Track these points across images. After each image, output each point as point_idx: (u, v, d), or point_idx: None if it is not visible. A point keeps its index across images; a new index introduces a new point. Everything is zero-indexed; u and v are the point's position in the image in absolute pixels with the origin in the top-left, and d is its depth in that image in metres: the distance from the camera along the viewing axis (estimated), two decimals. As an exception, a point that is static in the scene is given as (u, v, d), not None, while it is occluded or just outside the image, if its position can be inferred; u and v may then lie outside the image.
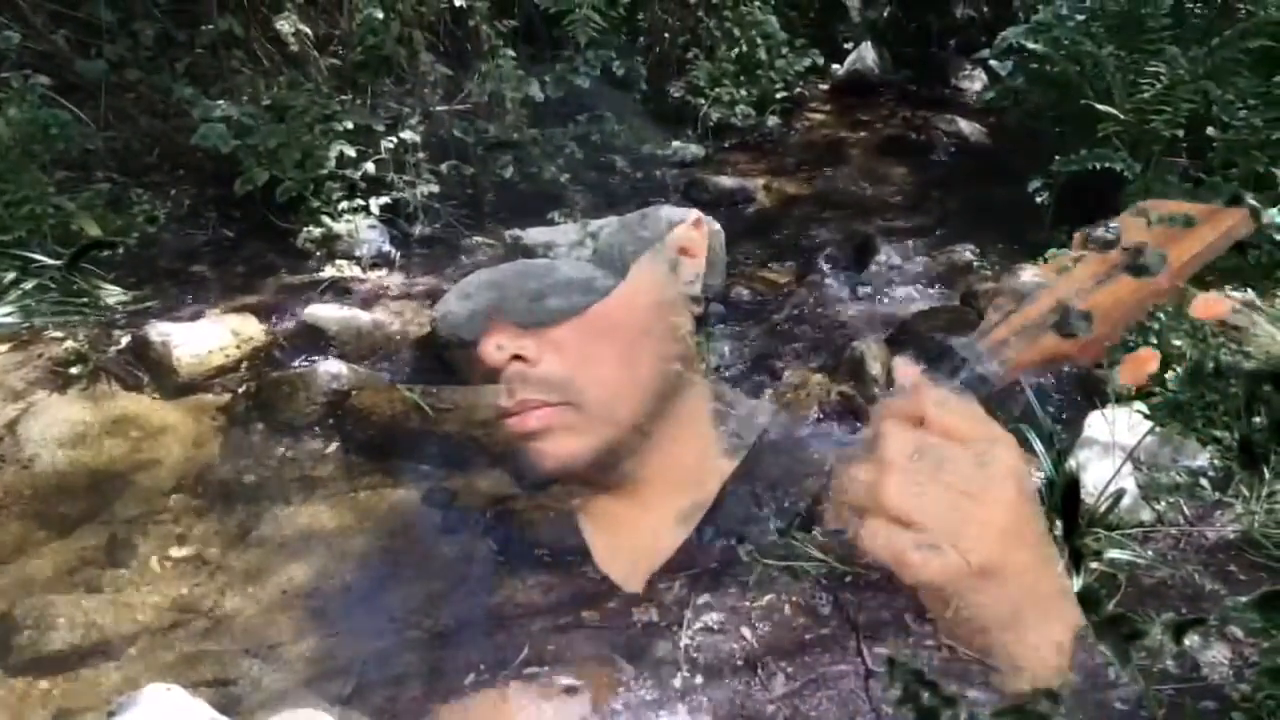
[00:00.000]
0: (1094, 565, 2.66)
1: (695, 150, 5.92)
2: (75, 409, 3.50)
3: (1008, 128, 5.58)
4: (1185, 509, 2.98)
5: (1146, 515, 2.90)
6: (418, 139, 4.67)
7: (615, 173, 6.31)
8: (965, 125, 5.91)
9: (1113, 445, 2.90)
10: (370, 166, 4.52)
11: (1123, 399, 3.42)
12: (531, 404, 0.91)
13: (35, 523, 3.09)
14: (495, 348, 0.91)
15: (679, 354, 1.00)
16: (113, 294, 4.01)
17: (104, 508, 3.17)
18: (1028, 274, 0.65)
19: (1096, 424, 3.11)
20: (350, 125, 4.52)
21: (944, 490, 0.58)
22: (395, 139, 4.63)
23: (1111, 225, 0.67)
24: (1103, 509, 2.77)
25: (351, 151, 4.47)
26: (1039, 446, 2.79)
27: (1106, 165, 3.74)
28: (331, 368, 3.56)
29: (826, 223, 5.18)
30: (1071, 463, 3.14)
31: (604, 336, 0.94)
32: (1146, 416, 3.25)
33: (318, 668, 2.88)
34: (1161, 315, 3.47)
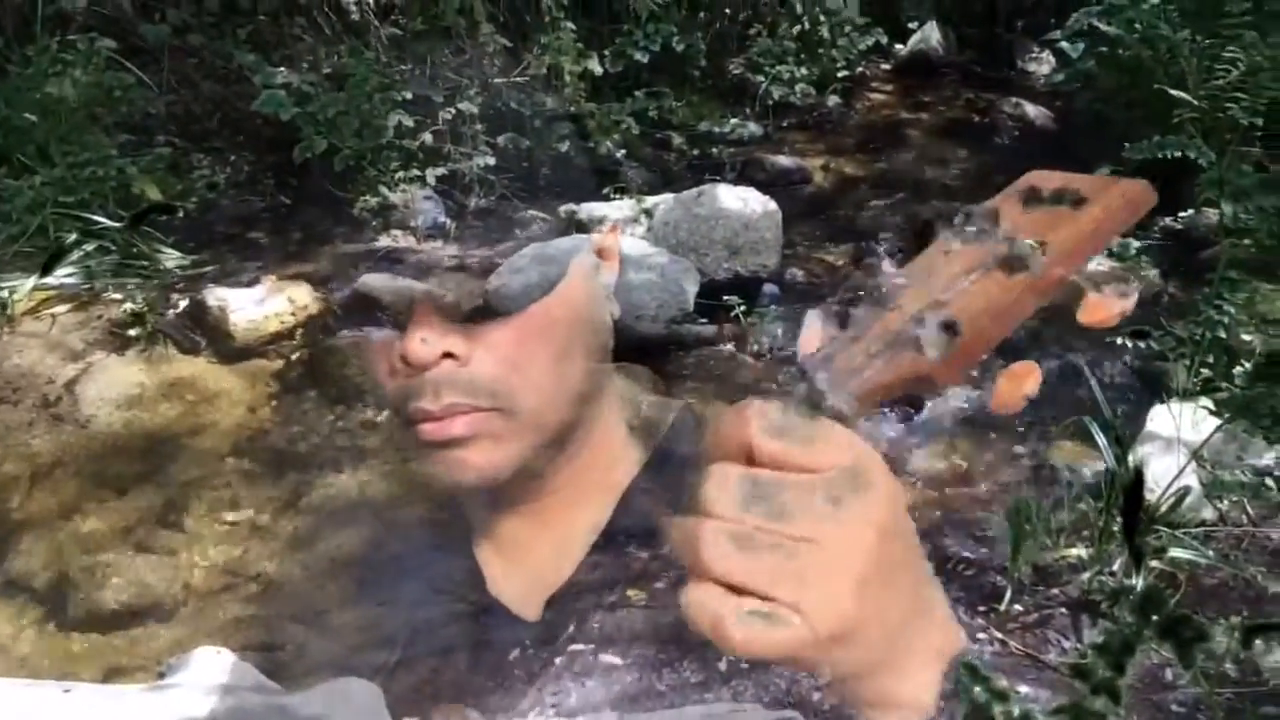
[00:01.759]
0: (1154, 564, 2.60)
1: (753, 129, 5.86)
2: (132, 371, 3.57)
3: (1075, 112, 5.46)
4: (1249, 509, 2.91)
5: (1209, 514, 2.84)
6: (475, 110, 4.66)
7: (672, 149, 6.37)
8: (1031, 109, 5.79)
9: (1176, 441, 2.83)
10: (428, 137, 4.53)
11: (1189, 394, 3.34)
12: (459, 408, 0.81)
13: (92, 482, 3.13)
14: (421, 341, 0.81)
15: (603, 352, 0.92)
16: (171, 258, 4.05)
17: (159, 470, 3.21)
18: (886, 271, 0.53)
19: (1160, 418, 3.04)
20: (409, 95, 4.53)
21: (779, 542, 0.47)
22: (453, 110, 4.63)
23: (978, 210, 0.55)
24: (1165, 507, 2.71)
25: (409, 121, 4.47)
26: (1101, 439, 2.73)
27: (1179, 153, 3.63)
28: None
29: (884, 205, 5.11)
30: (1134, 457, 3.08)
31: (539, 337, 0.85)
32: (1212, 413, 3.17)
33: (364, 637, 2.91)
34: (1230, 308, 3.38)
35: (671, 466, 0.96)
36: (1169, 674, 2.15)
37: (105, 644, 2.72)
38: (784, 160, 5.50)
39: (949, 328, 0.49)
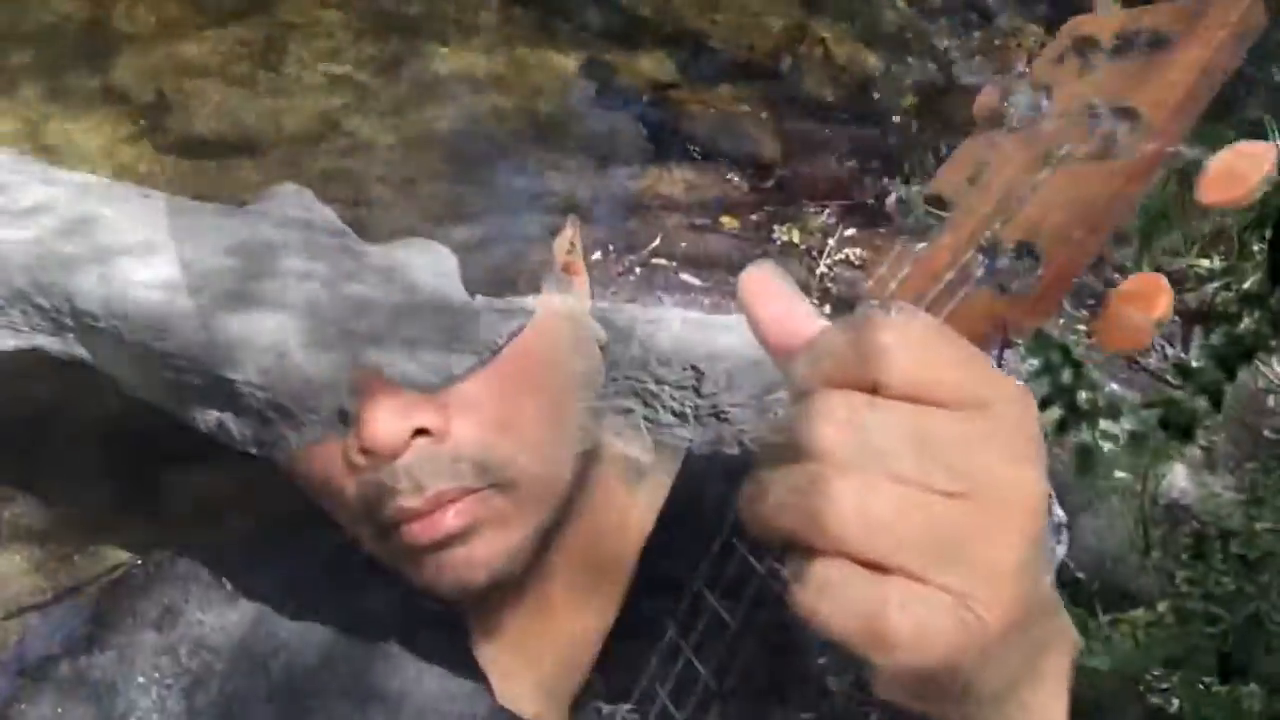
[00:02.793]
0: None
1: None
2: None
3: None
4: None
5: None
6: None
7: None
8: None
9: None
10: None
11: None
12: (448, 495, 0.63)
13: (192, 7, 3.01)
14: (382, 425, 0.61)
15: (593, 387, 0.75)
16: None
17: (263, 6, 3.11)
18: (948, 175, 0.40)
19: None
20: None
21: (930, 500, 0.33)
22: None
23: (1017, 82, 0.40)
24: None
25: None
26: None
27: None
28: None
29: None
30: None
31: (524, 384, 0.67)
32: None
33: (449, 210, 2.97)
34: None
35: (694, 517, 0.65)
36: (1271, 400, 2.09)
37: (196, 168, 2.73)
38: None
39: (1026, 251, 0.37)
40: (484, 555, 0.65)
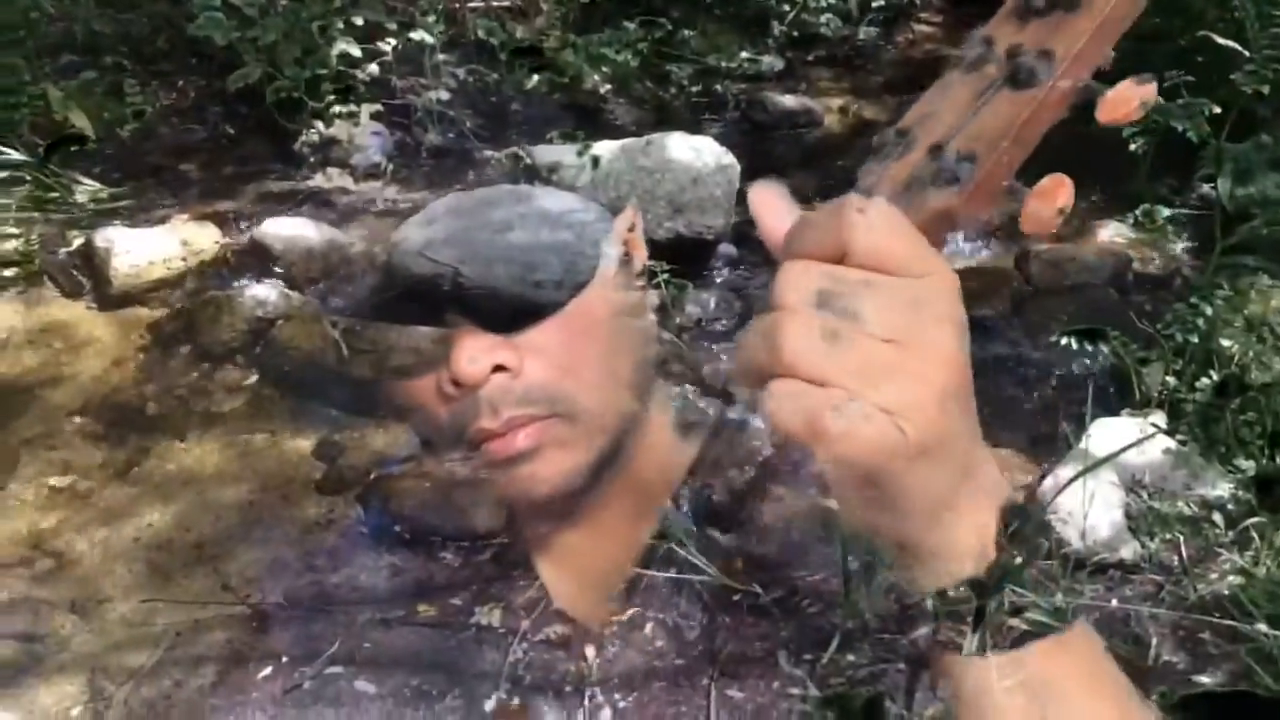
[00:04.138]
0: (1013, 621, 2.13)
1: (771, 62, 5.25)
2: (6, 312, 3.27)
3: (1123, 54, 4.77)
4: (1184, 549, 2.42)
5: (1129, 553, 2.36)
6: (433, 40, 4.29)
7: (670, 85, 5.82)
8: (1091, 48, 5.10)
9: (1104, 462, 2.32)
10: (374, 68, 4.18)
11: (1146, 404, 2.82)
12: (519, 420, 0.79)
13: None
14: (469, 361, 0.78)
15: (649, 343, 0.92)
16: (87, 190, 3.83)
17: (4, 422, 3.02)
18: (915, 111, 0.51)
19: (1100, 434, 2.54)
20: (359, 21, 4.19)
21: (866, 340, 0.45)
22: (407, 39, 4.28)
23: (972, 36, 0.53)
24: (1075, 545, 2.28)
25: (356, 51, 4.13)
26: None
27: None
28: (259, 293, 3.28)
29: (897, 155, 4.56)
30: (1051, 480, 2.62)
31: (586, 335, 0.83)
32: (1163, 431, 2.66)
33: (129, 634, 2.65)
34: (1208, 308, 2.83)
35: (718, 468, 1.04)
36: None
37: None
38: (789, 101, 4.84)
39: (967, 158, 0.49)
40: (546, 472, 0.80)
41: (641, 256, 0.92)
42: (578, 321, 0.82)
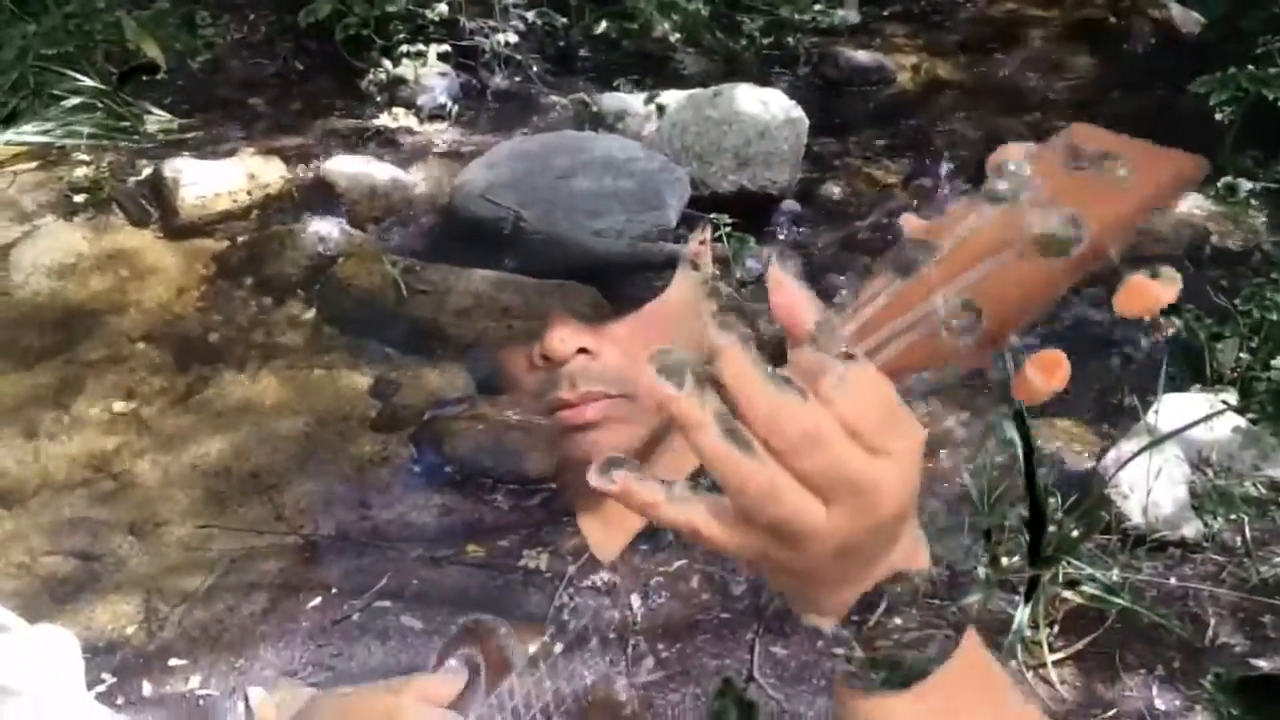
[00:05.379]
0: (1069, 595, 2.11)
1: (845, 15, 5.13)
2: (75, 238, 3.31)
3: (1218, 20, 4.62)
4: (1248, 530, 2.36)
5: (1191, 532, 2.31)
6: (505, -20, 4.27)
7: (741, 36, 5.73)
8: (1178, 12, 4.90)
9: (1170, 437, 2.27)
10: (443, 8, 4.16)
11: (1219, 382, 2.75)
12: (592, 396, 0.90)
13: (1, 352, 3.01)
14: (559, 340, 0.89)
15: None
16: (158, 121, 3.86)
17: (69, 346, 3.08)
18: (912, 228, 0.49)
19: (1168, 409, 2.48)
20: (430, -42, 4.16)
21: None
22: (480, -23, 4.25)
23: (1017, 162, 0.48)
24: (1136, 521, 2.24)
25: (428, -11, 4.12)
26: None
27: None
28: (322, 229, 3.30)
29: (972, 117, 4.46)
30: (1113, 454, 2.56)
31: (656, 333, 0.91)
32: (1233, 409, 2.59)
33: (184, 557, 2.72)
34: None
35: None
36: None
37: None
38: (863, 56, 4.76)
39: (971, 309, 0.47)
40: (607, 441, 0.89)
41: (707, 268, 0.97)
42: (652, 320, 0.92)
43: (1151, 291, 0.45)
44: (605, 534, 0.95)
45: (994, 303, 0.47)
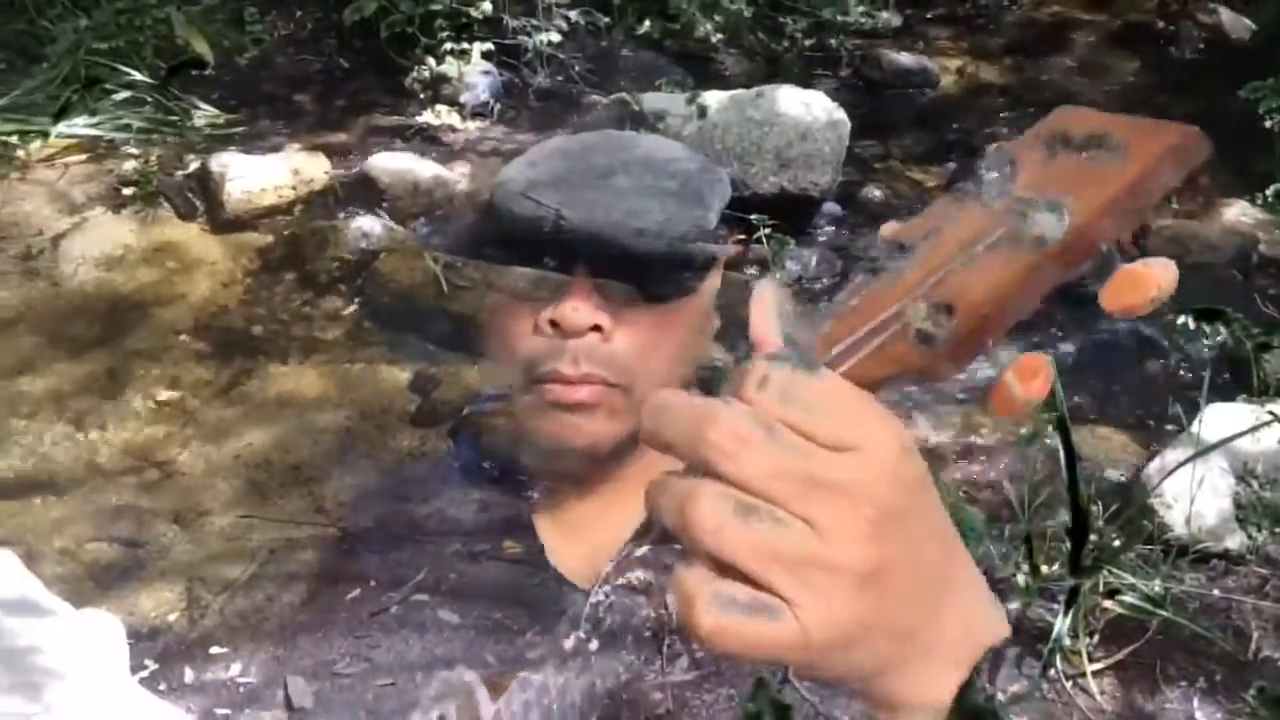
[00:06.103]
0: (1109, 605, 2.09)
1: (888, 18, 5.14)
2: (123, 231, 3.37)
3: (1268, 25, 4.55)
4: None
5: (1235, 543, 2.28)
6: (548, -20, 4.29)
7: (783, 37, 5.73)
8: (1227, 17, 4.85)
9: (1215, 448, 2.24)
10: (487, 6, 4.18)
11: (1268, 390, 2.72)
12: (593, 378, 0.87)
13: (48, 342, 3.06)
14: (573, 309, 0.86)
15: (702, 359, 0.98)
16: (205, 115, 3.91)
17: (116, 337, 3.13)
18: (888, 231, 0.46)
19: (1213, 419, 2.45)
20: (474, -43, 4.18)
21: (777, 518, 0.41)
22: (524, -24, 4.27)
23: (995, 154, 0.45)
24: (1179, 531, 2.22)
25: (471, -13, 4.14)
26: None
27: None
28: (364, 224, 3.33)
29: (1016, 121, 4.42)
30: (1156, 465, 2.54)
31: (671, 331, 0.91)
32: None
33: (226, 546, 2.75)
34: None
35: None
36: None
37: (-2, 510, 2.67)
38: (906, 59, 4.74)
39: (944, 311, 0.43)
40: (590, 428, 0.87)
41: (716, 280, 0.99)
42: (672, 318, 0.90)
43: (1150, 277, 0.41)
44: (574, 555, 0.95)
45: (968, 302, 0.42)
